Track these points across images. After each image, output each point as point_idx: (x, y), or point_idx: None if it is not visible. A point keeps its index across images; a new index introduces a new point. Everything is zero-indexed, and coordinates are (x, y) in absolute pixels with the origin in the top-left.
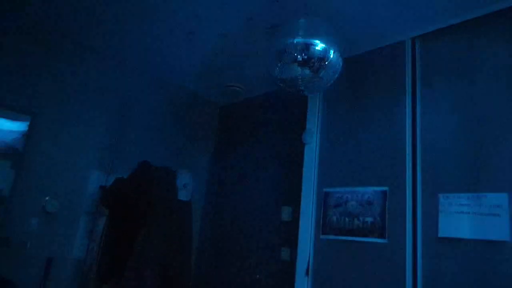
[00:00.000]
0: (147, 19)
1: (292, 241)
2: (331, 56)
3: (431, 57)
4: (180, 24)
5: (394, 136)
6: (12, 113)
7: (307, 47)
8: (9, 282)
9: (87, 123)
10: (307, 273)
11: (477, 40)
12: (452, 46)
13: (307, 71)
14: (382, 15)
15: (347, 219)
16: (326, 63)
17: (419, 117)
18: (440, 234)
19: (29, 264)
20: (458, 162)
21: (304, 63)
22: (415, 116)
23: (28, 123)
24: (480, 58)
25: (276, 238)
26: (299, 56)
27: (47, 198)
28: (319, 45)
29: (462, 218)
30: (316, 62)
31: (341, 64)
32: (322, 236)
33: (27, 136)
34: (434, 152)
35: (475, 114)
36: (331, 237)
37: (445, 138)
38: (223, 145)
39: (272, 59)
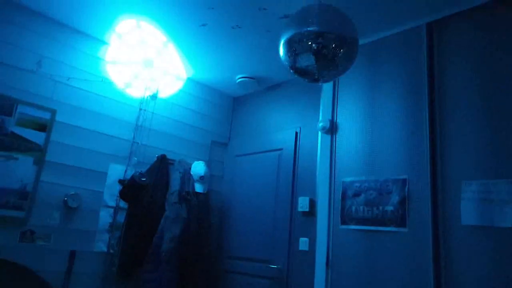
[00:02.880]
0: (160, 9)
1: (310, 232)
2: (346, 43)
3: (448, 42)
4: (192, 16)
5: (413, 123)
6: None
7: (322, 35)
8: (31, 272)
9: (106, 118)
10: (327, 263)
11: (495, 22)
12: (469, 30)
13: (321, 60)
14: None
15: (366, 208)
16: (341, 50)
17: (438, 104)
18: (463, 222)
19: (53, 257)
20: (480, 148)
21: (319, 51)
22: (433, 103)
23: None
24: (500, 40)
25: (295, 229)
26: (313, 45)
27: (68, 193)
28: (334, 33)
29: (486, 205)
30: (331, 50)
31: (356, 51)
32: (341, 226)
33: (48, 132)
34: (454, 138)
35: (498, 98)
36: (351, 227)
37: (466, 123)
38: (238, 137)
39: (285, 49)
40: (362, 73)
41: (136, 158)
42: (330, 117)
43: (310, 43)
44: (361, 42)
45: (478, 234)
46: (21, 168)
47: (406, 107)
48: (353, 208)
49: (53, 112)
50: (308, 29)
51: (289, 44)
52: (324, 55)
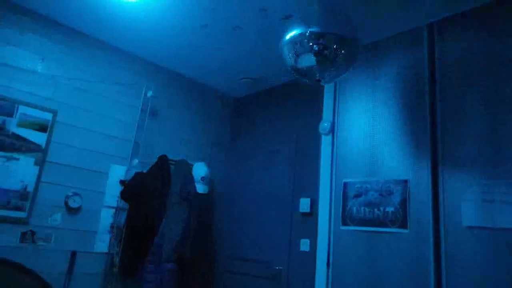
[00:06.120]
0: (161, 10)
1: (311, 233)
2: (347, 44)
3: (448, 43)
4: (193, 17)
5: (414, 124)
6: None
7: (322, 35)
8: (32, 272)
9: (107, 120)
10: (327, 264)
11: (498, 26)
12: (471, 31)
13: (323, 61)
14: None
15: (367, 209)
16: (342, 51)
17: (439, 104)
18: (464, 223)
19: (54, 257)
20: (481, 149)
21: (320, 52)
22: (435, 104)
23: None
24: (502, 43)
25: (295, 230)
26: (314, 46)
27: (69, 193)
28: (335, 33)
29: (487, 206)
30: (332, 50)
31: (357, 52)
32: (342, 227)
33: (49, 133)
34: (456, 139)
35: (500, 99)
36: (351, 227)
37: (466, 124)
38: (239, 138)
39: (287, 50)
40: (363, 74)
41: (137, 159)
42: (331, 118)
43: (311, 44)
44: (362, 43)
45: (479, 235)
46: (22, 169)
47: (407, 108)
48: (354, 209)
49: (54, 113)
50: (309, 30)
51: (290, 45)
52: (325, 56)
